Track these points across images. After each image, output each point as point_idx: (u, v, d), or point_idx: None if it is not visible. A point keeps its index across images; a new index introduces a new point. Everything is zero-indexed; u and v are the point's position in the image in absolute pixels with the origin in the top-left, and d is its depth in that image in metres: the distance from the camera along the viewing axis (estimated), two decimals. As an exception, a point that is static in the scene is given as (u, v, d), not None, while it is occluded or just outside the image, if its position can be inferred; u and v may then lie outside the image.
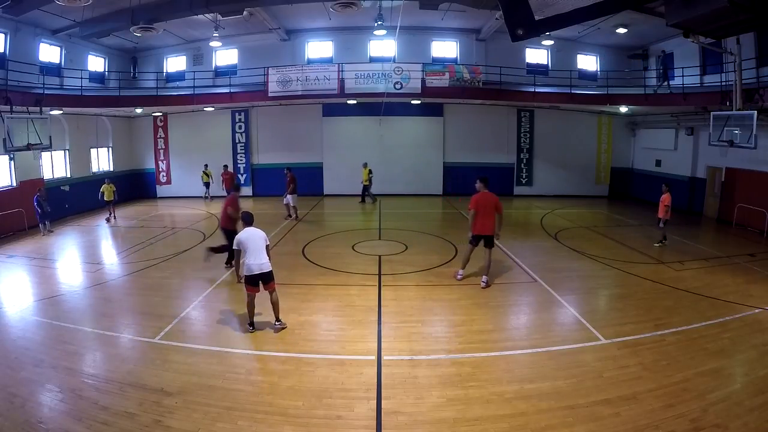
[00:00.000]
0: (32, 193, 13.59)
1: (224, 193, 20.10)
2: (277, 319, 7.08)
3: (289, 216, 15.76)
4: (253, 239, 6.86)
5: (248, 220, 7.24)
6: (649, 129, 19.75)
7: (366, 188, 19.08)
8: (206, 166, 20.04)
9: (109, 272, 10.23)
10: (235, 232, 7.98)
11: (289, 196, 15.51)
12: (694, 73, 15.58)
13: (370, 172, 18.98)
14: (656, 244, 12.01)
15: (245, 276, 6.82)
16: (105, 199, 15.73)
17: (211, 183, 19.97)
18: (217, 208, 18.25)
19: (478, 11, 15.59)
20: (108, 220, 15.80)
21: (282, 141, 20.89)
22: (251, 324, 7.02)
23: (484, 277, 8.93)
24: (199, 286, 9.11)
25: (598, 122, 20.71)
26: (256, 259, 6.75)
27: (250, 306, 7.00)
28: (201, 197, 20.08)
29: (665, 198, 11.76)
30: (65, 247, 12.89)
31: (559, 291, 8.68)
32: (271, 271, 6.91)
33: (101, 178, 18.78)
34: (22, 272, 10.26)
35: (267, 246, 6.92)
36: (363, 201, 19.10)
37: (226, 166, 19.47)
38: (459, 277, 9.28)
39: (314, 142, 20.89)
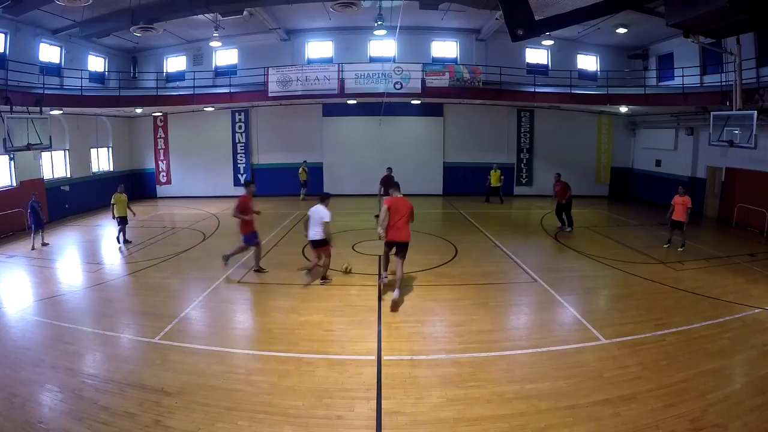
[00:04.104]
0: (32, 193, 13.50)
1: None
2: None
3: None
4: None
5: None
6: (649, 129, 19.74)
7: (496, 189, 19.25)
8: (305, 162, 19.99)
9: (109, 272, 10.22)
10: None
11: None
12: (694, 73, 15.58)
13: (502, 173, 19.22)
14: (680, 249, 11.51)
15: None
16: (116, 214, 12.09)
17: (308, 181, 19.81)
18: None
19: (478, 11, 15.59)
20: (119, 239, 12.45)
21: (282, 141, 20.93)
22: None
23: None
24: (199, 286, 9.09)
25: (598, 122, 20.70)
26: None
27: None
28: (297, 196, 19.71)
29: (687, 200, 11.39)
30: (65, 247, 12.89)
31: (559, 291, 8.68)
32: None
33: (101, 178, 18.82)
34: (22, 272, 10.26)
35: None
36: (488, 201, 19.25)
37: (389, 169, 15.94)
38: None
39: (314, 142, 20.89)
